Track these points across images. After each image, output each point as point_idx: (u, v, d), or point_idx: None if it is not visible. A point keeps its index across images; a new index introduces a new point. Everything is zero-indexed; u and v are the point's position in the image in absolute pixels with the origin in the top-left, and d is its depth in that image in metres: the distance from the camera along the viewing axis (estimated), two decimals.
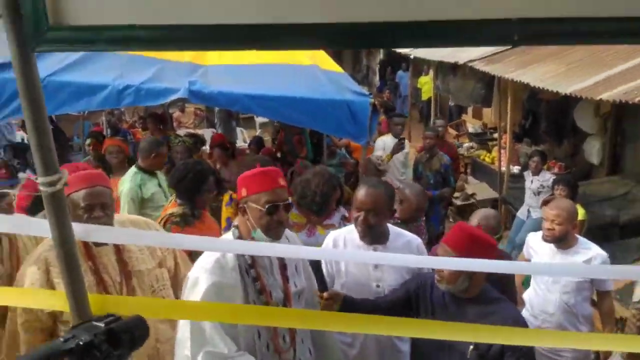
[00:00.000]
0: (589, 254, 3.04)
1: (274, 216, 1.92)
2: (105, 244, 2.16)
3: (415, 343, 2.30)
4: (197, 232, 2.94)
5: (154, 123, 7.03)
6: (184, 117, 11.63)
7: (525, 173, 6.02)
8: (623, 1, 0.87)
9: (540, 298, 3.18)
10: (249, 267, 1.96)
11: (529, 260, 3.31)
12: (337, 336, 2.27)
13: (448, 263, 1.78)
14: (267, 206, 1.91)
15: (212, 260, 1.92)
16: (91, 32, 0.92)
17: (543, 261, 3.13)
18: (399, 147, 5.50)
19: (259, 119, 13.29)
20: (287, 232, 2.18)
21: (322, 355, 2.17)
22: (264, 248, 1.62)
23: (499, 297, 2.08)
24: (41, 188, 0.98)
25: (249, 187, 1.96)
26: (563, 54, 5.41)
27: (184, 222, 3.01)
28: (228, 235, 2.08)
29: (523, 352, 1.91)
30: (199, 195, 3.14)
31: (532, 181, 5.73)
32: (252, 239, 1.96)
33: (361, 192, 2.30)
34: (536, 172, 5.66)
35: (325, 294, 1.96)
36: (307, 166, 6.47)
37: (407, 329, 1.26)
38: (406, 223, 3.35)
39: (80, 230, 1.18)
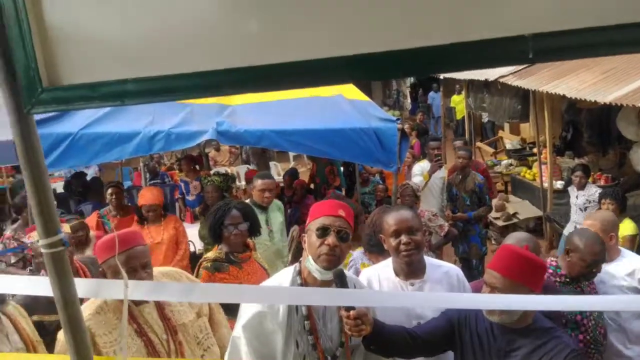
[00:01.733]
0: (633, 266, 2.91)
1: (324, 240, 1.85)
2: (146, 302, 2.13)
3: None
4: (230, 279, 2.78)
5: (188, 164, 7.18)
6: (219, 156, 11.84)
7: (570, 188, 5.76)
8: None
9: None
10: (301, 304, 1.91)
11: None
12: None
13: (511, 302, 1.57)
14: (317, 228, 1.88)
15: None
16: (85, 90, 0.90)
17: None
18: (436, 166, 5.36)
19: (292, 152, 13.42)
20: (357, 280, 2.15)
21: None
22: (291, 294, 1.51)
23: (552, 326, 1.91)
24: (42, 250, 0.95)
25: (311, 216, 1.97)
26: (596, 64, 5.19)
27: (215, 268, 2.83)
28: (289, 270, 2.03)
29: None
30: (221, 231, 2.95)
31: (577, 196, 5.47)
32: (306, 282, 1.93)
33: (392, 216, 2.20)
34: (581, 187, 5.41)
35: (352, 313, 1.75)
36: (340, 196, 6.45)
37: None
38: (576, 281, 2.68)
39: (90, 289, 1.14)
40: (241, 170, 10.52)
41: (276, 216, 4.20)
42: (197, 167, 7.47)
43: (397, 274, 2.24)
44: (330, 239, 1.85)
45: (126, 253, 2.06)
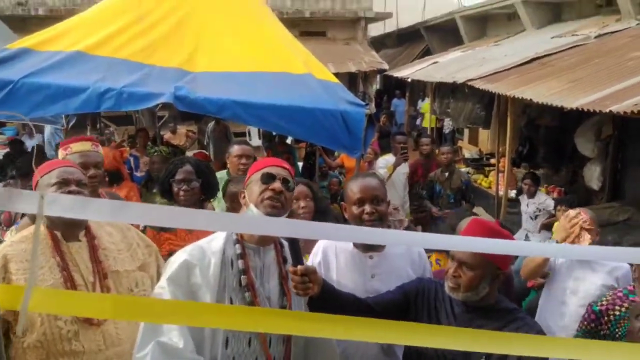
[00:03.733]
0: (612, 264, 2.87)
1: (269, 186, 1.71)
2: (78, 240, 1.95)
3: None
4: (176, 240, 2.55)
5: (145, 137, 6.74)
6: (175, 139, 11.36)
7: (521, 197, 5.84)
8: None
9: (552, 310, 3.01)
10: (238, 257, 1.72)
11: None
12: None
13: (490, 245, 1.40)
14: (261, 175, 1.74)
15: (196, 244, 1.74)
16: None
17: (562, 274, 2.95)
18: (402, 159, 5.25)
19: (253, 142, 13.10)
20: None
21: None
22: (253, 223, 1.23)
23: (516, 307, 1.81)
24: None
25: (251, 171, 1.82)
26: (564, 73, 5.27)
27: (160, 227, 2.59)
28: (222, 232, 1.79)
29: None
30: (170, 187, 2.77)
31: (527, 205, 5.53)
32: (242, 238, 1.74)
33: (356, 184, 2.05)
34: (530, 195, 5.47)
35: (299, 268, 1.60)
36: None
37: (412, 336, 0.99)
38: None
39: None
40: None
41: None
42: (151, 144, 7.08)
43: (355, 245, 2.08)
44: (276, 185, 1.71)
45: (59, 169, 1.92)
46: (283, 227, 0.95)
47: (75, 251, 1.93)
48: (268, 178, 1.73)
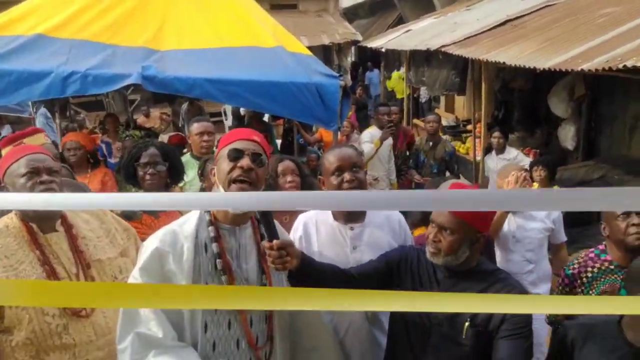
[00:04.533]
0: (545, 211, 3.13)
1: (237, 163, 1.62)
2: (55, 231, 1.89)
3: (393, 333, 1.97)
4: (142, 228, 2.46)
5: (114, 123, 6.57)
6: (148, 122, 11.14)
7: (487, 157, 5.61)
8: None
9: (501, 258, 3.17)
10: (212, 240, 1.66)
11: None
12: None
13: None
14: (228, 151, 1.65)
15: (167, 229, 1.68)
16: None
17: (506, 224, 3.11)
18: (388, 133, 5.17)
19: (228, 122, 12.94)
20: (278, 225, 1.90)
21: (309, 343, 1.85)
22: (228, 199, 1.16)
23: (497, 268, 1.84)
24: None
25: (220, 145, 1.73)
26: (536, 34, 5.27)
27: (125, 215, 2.45)
28: (194, 214, 1.74)
29: (520, 324, 1.66)
30: (135, 171, 2.68)
31: (496, 163, 5.25)
32: (216, 219, 1.69)
33: (333, 154, 2.02)
34: (500, 149, 5.26)
35: (275, 243, 1.57)
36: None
37: (393, 303, 0.98)
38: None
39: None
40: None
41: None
42: (123, 128, 6.90)
43: (335, 218, 2.07)
44: (244, 161, 1.62)
45: (27, 157, 1.83)
46: (259, 202, 0.92)
47: (54, 242, 1.87)
48: (236, 154, 1.64)
